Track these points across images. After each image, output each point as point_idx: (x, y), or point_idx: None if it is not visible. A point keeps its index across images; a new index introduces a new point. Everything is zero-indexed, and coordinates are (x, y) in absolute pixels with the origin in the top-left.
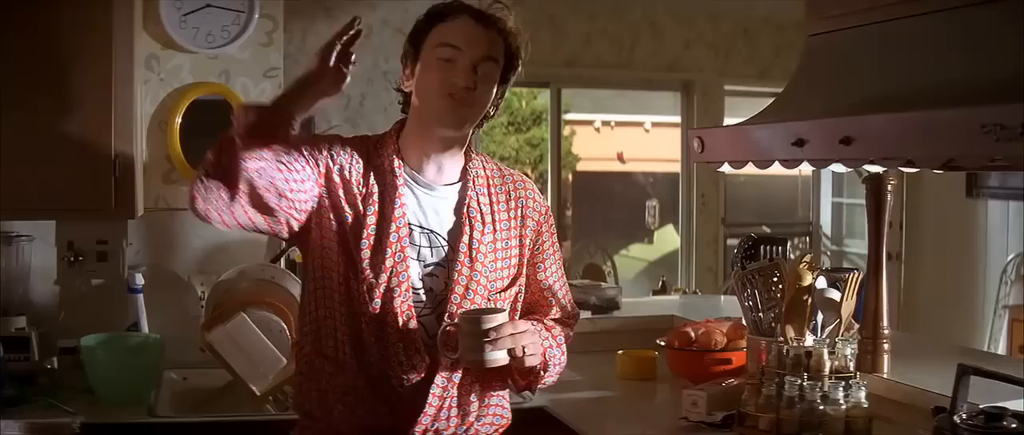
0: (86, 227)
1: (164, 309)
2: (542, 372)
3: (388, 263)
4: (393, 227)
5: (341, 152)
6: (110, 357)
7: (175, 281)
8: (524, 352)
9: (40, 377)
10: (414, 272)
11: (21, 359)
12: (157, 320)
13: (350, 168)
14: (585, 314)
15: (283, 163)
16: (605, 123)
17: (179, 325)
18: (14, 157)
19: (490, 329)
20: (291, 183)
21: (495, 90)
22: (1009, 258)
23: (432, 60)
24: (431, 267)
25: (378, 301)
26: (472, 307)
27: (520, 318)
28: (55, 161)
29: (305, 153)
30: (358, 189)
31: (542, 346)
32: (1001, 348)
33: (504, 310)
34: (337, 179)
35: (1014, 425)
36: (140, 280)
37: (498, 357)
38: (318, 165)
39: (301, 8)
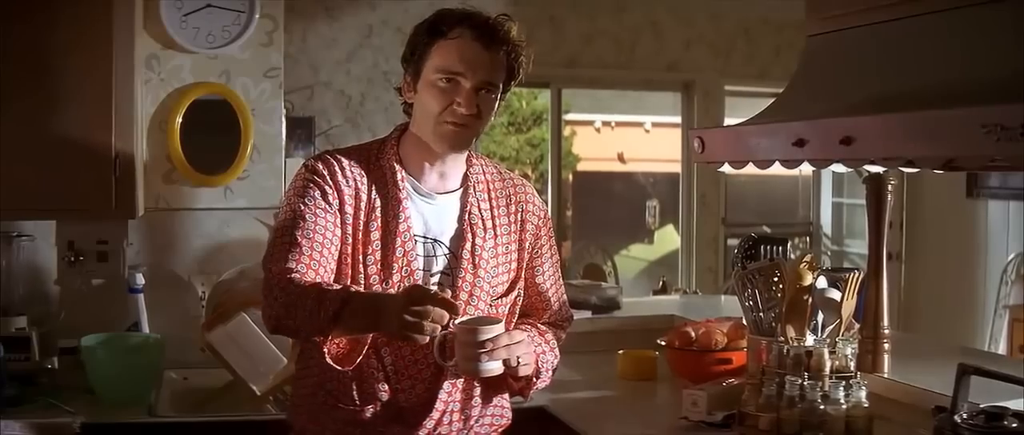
0: (86, 227)
1: (164, 309)
2: (535, 379)
3: (396, 277)
4: (399, 241)
5: (345, 176)
6: (110, 357)
7: (175, 281)
8: (519, 362)
9: (40, 377)
10: (421, 284)
11: (21, 359)
12: (157, 320)
13: (355, 188)
14: (585, 314)
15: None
16: (605, 123)
17: (179, 325)
18: (14, 157)
19: (486, 340)
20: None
21: (496, 105)
22: (1009, 258)
23: (432, 83)
24: (436, 275)
25: None
26: (474, 313)
27: (515, 320)
28: (55, 161)
29: (327, 211)
30: (363, 205)
31: (535, 353)
32: (1001, 348)
33: (500, 320)
34: (349, 203)
35: (1014, 425)
36: (140, 280)
37: (493, 367)
38: (331, 208)
39: (301, 8)
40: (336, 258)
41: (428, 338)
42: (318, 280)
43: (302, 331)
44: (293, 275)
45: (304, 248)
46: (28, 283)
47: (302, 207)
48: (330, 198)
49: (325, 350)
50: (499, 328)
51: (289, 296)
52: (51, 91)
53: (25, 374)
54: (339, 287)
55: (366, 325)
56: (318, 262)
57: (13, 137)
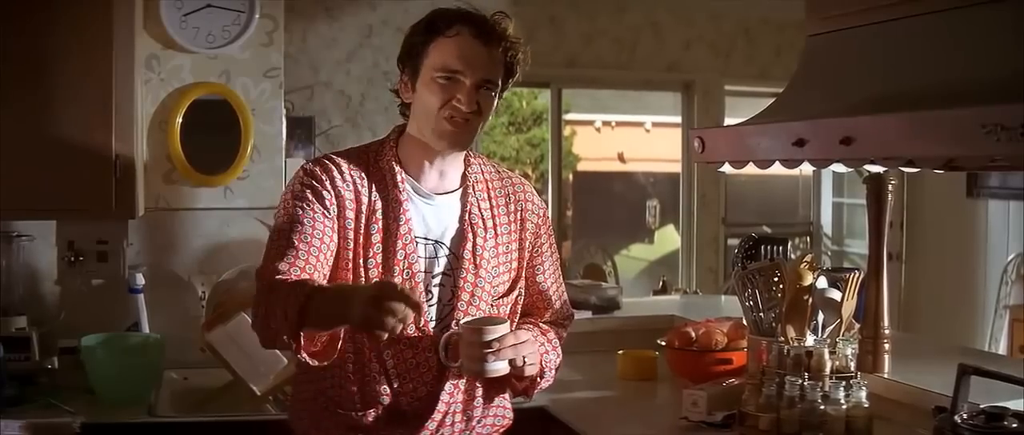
0: (86, 227)
1: (164, 309)
2: (539, 379)
3: (397, 280)
4: (400, 244)
5: (344, 180)
6: (110, 357)
7: (175, 281)
8: (524, 362)
9: (40, 377)
10: (423, 285)
11: (21, 359)
12: (157, 320)
13: (355, 191)
14: (586, 314)
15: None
16: (605, 123)
17: (179, 325)
18: (14, 157)
19: (492, 340)
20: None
21: (495, 103)
22: (1009, 258)
23: (432, 81)
24: (438, 276)
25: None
26: (476, 313)
27: (517, 319)
28: (55, 161)
29: (325, 216)
30: (363, 208)
31: (540, 353)
32: (1001, 348)
33: (506, 321)
34: (350, 207)
35: (1014, 425)
36: (140, 280)
37: (499, 367)
38: (329, 213)
39: (301, 8)
40: (331, 262)
41: (386, 336)
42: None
43: (280, 334)
44: (279, 276)
45: (300, 251)
46: (28, 283)
47: (299, 211)
48: (327, 203)
49: (300, 349)
50: (505, 328)
51: (271, 298)
52: (51, 91)
53: (25, 374)
54: (309, 281)
55: (333, 317)
56: (313, 266)
57: (13, 137)
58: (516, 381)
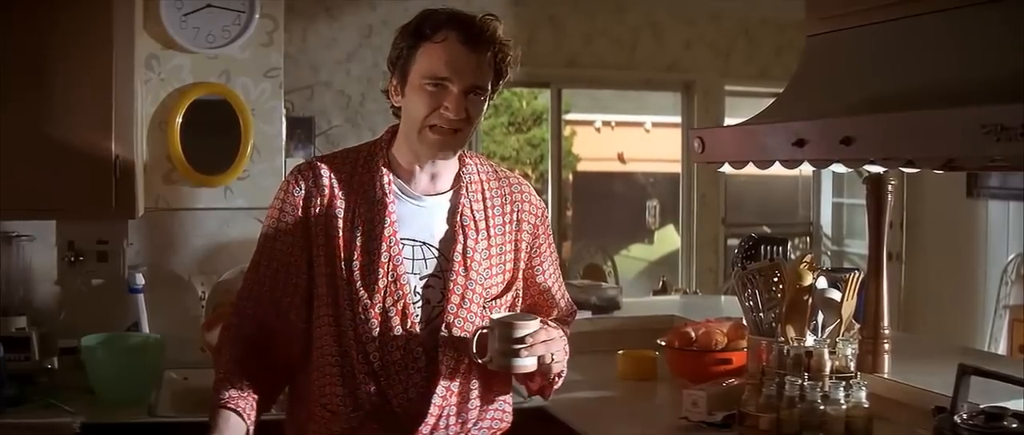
0: (86, 227)
1: (164, 309)
2: (557, 378)
3: (381, 282)
4: (384, 246)
5: (319, 186)
6: (110, 357)
7: (175, 281)
8: (552, 359)
9: (40, 377)
10: (409, 287)
11: (21, 359)
12: (157, 320)
13: (329, 196)
14: (585, 314)
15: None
16: (605, 123)
17: (179, 325)
18: (14, 157)
19: (525, 335)
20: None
21: (484, 107)
22: (1009, 258)
23: (420, 88)
24: (426, 278)
25: (375, 321)
26: (467, 315)
27: None
28: (55, 161)
29: (289, 236)
30: (342, 211)
31: (565, 353)
32: (1001, 348)
33: (536, 318)
34: (330, 216)
35: (1014, 425)
36: (140, 280)
37: (528, 363)
38: (296, 233)
39: (301, 8)
40: (302, 280)
41: None
42: (250, 335)
43: None
44: (234, 322)
45: (265, 285)
46: (28, 283)
47: (271, 231)
48: (300, 219)
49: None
50: (536, 324)
51: (215, 356)
52: (51, 91)
53: (25, 374)
54: (224, 392)
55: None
56: (271, 290)
57: (13, 137)
58: (529, 383)
